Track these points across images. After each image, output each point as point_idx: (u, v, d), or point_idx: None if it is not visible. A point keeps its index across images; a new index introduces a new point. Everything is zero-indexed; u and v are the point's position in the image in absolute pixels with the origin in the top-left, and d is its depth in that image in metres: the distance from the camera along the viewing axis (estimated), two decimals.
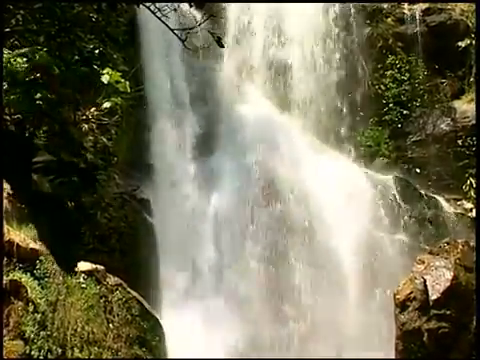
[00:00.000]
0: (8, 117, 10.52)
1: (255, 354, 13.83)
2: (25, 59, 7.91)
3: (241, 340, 14.07)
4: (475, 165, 16.07)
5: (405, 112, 16.63)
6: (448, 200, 15.97)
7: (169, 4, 9.27)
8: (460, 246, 12.89)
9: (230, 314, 14.22)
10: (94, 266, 12.51)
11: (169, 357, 13.26)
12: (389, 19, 16.99)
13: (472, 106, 16.54)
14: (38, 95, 8.08)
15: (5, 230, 11.86)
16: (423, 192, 15.95)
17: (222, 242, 15.01)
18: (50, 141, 11.35)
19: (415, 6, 16.95)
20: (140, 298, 13.26)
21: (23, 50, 7.99)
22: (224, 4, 16.02)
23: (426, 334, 12.37)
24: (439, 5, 17.01)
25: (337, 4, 16.70)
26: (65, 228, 12.03)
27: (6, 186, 10.29)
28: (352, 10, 16.80)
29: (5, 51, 7.22)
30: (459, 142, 16.38)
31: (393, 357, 12.71)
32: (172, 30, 7.05)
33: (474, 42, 16.59)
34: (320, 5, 16.63)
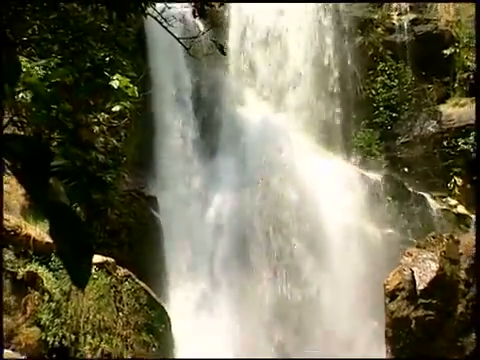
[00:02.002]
0: (25, 121, 10.51)
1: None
2: (41, 67, 7.92)
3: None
4: (459, 165, 16.11)
5: (394, 115, 16.63)
6: (434, 197, 15.96)
7: (175, 15, 9.30)
8: (445, 240, 12.91)
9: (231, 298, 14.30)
10: (105, 259, 12.56)
11: (174, 341, 13.32)
12: (379, 29, 16.97)
13: (456, 109, 16.58)
14: (53, 102, 8.07)
15: (22, 225, 11.93)
16: (411, 190, 15.95)
17: (223, 238, 15.02)
18: (63, 143, 11.39)
19: (403, 17, 16.94)
20: (147, 288, 13.30)
21: (40, 62, 8.00)
22: (226, 14, 15.98)
23: (414, 322, 12.40)
24: (426, 16, 17.01)
25: (331, 14, 16.69)
26: None
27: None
28: (345, 20, 16.80)
29: (23, 60, 7.23)
30: (444, 143, 16.37)
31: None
32: (177, 39, 7.06)
33: (458, 50, 16.63)
34: (316, 16, 16.61)
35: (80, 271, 1.86)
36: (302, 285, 14.65)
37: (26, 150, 1.79)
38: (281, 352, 14.14)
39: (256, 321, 14.25)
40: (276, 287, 14.66)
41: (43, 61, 8.01)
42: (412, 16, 16.96)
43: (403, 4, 17.15)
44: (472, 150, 15.98)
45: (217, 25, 15.18)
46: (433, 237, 13.26)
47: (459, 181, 15.98)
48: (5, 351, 11.00)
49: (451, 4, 17.14)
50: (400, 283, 12.59)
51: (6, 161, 1.82)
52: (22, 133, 11.13)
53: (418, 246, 13.35)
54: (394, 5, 17.20)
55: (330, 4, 16.76)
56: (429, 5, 17.19)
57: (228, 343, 13.62)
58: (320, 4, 16.73)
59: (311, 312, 14.40)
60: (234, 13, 16.14)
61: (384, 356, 12.73)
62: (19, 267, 11.78)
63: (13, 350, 11.20)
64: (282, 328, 14.42)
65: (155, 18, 6.51)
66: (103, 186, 1.93)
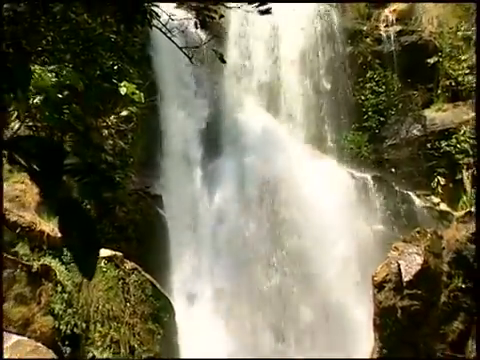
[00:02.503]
0: (39, 124, 10.55)
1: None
2: (53, 74, 7.96)
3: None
4: (442, 165, 16.13)
5: (382, 119, 16.64)
6: (419, 195, 15.95)
7: (177, 26, 9.31)
8: (429, 235, 12.92)
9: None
10: (113, 253, 12.59)
11: (178, 329, 13.33)
12: (368, 39, 16.99)
13: (439, 114, 16.59)
14: (65, 106, 8.12)
15: (37, 222, 11.98)
16: (397, 188, 15.93)
17: (225, 233, 15.04)
18: (75, 145, 11.43)
19: (390, 28, 16.94)
20: (153, 280, 13.33)
21: (51, 67, 8.04)
22: (226, 26, 15.96)
23: (400, 311, 12.42)
24: (411, 27, 16.99)
25: (324, 26, 16.71)
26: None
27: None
28: (337, 31, 16.83)
29: (37, 68, 7.28)
30: (428, 145, 16.36)
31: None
32: (180, 48, 7.08)
33: (441, 59, 16.64)
34: (310, 27, 16.62)
35: (88, 263, 1.89)
36: (297, 274, 14.66)
37: (40, 150, 1.82)
38: (277, 331, 14.07)
39: (254, 305, 14.26)
40: (273, 275, 14.66)
41: (53, 66, 8.05)
42: (398, 27, 16.98)
43: (390, 16, 17.17)
44: (454, 152, 16.02)
45: (217, 35, 15.20)
46: (418, 232, 13.26)
47: (442, 180, 15.99)
48: (21, 338, 11.05)
49: (434, 16, 17.16)
50: (387, 275, 12.61)
51: (21, 161, 1.87)
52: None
53: (404, 241, 13.35)
54: (382, 17, 17.23)
55: (323, 16, 16.78)
56: (414, 17, 17.20)
57: (228, 326, 13.65)
58: (313, 16, 16.77)
59: (307, 296, 14.39)
60: (233, 24, 16.15)
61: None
62: (34, 260, 11.81)
63: (29, 337, 11.24)
64: (277, 311, 14.42)
65: (160, 29, 6.54)
66: (112, 185, 1.97)
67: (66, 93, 8.01)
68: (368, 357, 12.89)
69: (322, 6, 16.91)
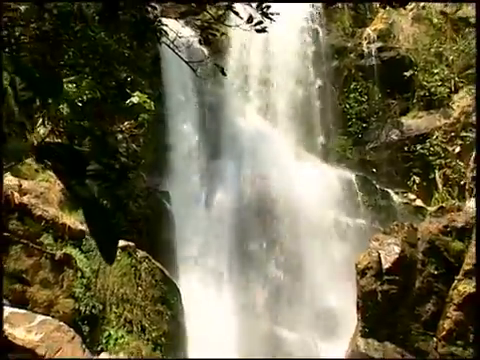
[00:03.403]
0: (61, 129, 10.58)
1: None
2: (74, 85, 8.00)
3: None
4: (417, 166, 16.15)
5: (364, 125, 16.64)
6: (397, 193, 15.96)
7: (184, 42, 9.34)
8: (406, 227, 12.95)
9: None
10: (127, 243, 12.58)
11: (184, 310, 13.32)
12: (352, 54, 16.99)
13: (415, 120, 16.59)
14: (84, 114, 8.16)
15: (59, 215, 11.99)
16: (378, 186, 15.94)
17: (225, 224, 15.05)
18: (93, 148, 11.45)
19: (371, 45, 16.92)
20: (162, 267, 13.32)
21: (72, 79, 8.07)
22: (226, 42, 15.92)
23: (380, 294, 12.45)
24: (389, 44, 16.97)
25: (313, 42, 16.67)
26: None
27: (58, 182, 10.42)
28: (324, 47, 16.84)
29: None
30: (405, 148, 16.36)
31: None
32: (186, 62, 7.10)
33: (416, 72, 16.64)
34: (301, 44, 16.61)
35: (109, 250, 1.93)
36: (288, 262, 14.67)
37: (67, 155, 1.87)
38: (272, 309, 14.05)
39: (251, 288, 14.28)
40: (269, 261, 14.67)
41: (74, 78, 8.06)
42: (378, 44, 16.99)
43: (371, 34, 17.16)
44: (428, 154, 16.05)
45: (219, 51, 15.21)
46: (396, 225, 13.30)
47: (417, 179, 16.00)
48: (46, 318, 11.07)
49: (410, 35, 17.16)
50: (369, 263, 12.64)
51: (48, 162, 1.90)
52: (59, 140, 11.20)
53: (384, 233, 13.40)
54: (364, 35, 17.19)
55: (312, 34, 16.79)
56: (392, 35, 17.17)
57: (229, 306, 13.66)
58: (304, 34, 16.75)
59: (297, 280, 14.40)
60: (233, 41, 16.15)
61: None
62: (57, 249, 11.82)
63: (52, 317, 11.26)
64: (275, 293, 14.44)
65: (168, 45, 6.56)
66: (125, 183, 2.02)
67: (85, 102, 8.07)
68: (352, 334, 12.93)
69: (311, 24, 16.90)
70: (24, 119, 2.12)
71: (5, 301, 10.38)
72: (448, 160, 15.85)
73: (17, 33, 5.58)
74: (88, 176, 1.86)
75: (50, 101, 2.08)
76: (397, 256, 12.44)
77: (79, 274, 11.90)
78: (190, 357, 12.97)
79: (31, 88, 1.96)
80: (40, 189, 12.00)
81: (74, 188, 1.85)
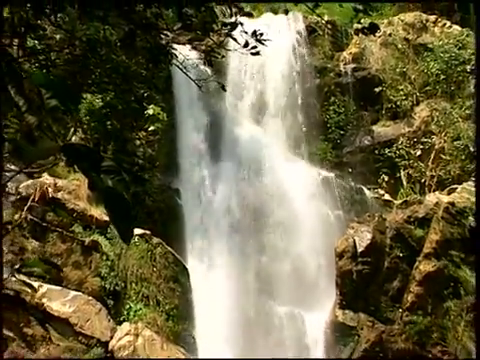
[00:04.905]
0: (89, 137, 10.57)
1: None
2: (100, 99, 8.01)
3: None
4: (386, 166, 16.12)
5: (342, 133, 16.58)
6: (369, 189, 15.86)
7: (191, 64, 9.34)
8: (376, 218, 12.97)
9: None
10: (144, 231, 12.59)
11: (192, 287, 13.30)
12: (331, 74, 16.94)
13: (383, 128, 16.51)
14: (108, 123, 8.16)
15: (88, 208, 11.99)
16: (353, 184, 15.89)
17: (226, 216, 15.02)
18: (116, 152, 11.45)
19: (347, 66, 16.88)
20: (173, 251, 13.32)
21: (98, 95, 8.05)
22: (227, 63, 15.86)
23: (355, 273, 12.47)
24: (362, 65, 16.91)
25: (299, 63, 16.66)
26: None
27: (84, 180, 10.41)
28: (308, 67, 16.81)
29: (88, 95, 7.33)
30: (376, 152, 16.29)
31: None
32: (193, 80, 7.12)
33: (385, 89, 16.58)
34: (289, 65, 16.59)
35: (125, 232, 1.95)
36: (279, 246, 14.65)
37: (87, 154, 1.89)
38: (263, 287, 14.00)
39: (246, 269, 14.27)
40: (263, 246, 14.66)
41: (100, 95, 8.05)
42: (353, 65, 16.94)
43: (347, 57, 17.13)
44: (394, 156, 16.04)
45: (221, 71, 15.20)
46: (368, 216, 13.35)
47: (386, 178, 15.96)
48: (77, 293, 11.08)
49: (379, 57, 17.13)
50: (346, 247, 12.68)
51: (73, 162, 1.92)
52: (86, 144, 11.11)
53: (358, 222, 13.43)
54: (341, 57, 17.12)
55: (298, 57, 16.76)
56: (365, 58, 17.11)
57: (227, 283, 13.64)
58: (291, 57, 16.72)
59: (286, 261, 14.36)
60: (232, 62, 16.13)
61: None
62: (86, 237, 11.83)
63: (83, 293, 11.27)
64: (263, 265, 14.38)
65: (178, 66, 6.58)
66: (141, 182, 2.03)
67: (109, 114, 8.06)
68: (331, 307, 12.92)
69: (297, 49, 16.88)
70: (51, 123, 2.13)
71: (43, 280, 10.39)
72: (411, 161, 15.84)
73: (53, 57, 5.60)
74: (103, 171, 1.88)
75: (72, 107, 2.10)
76: (369, 241, 12.47)
77: (104, 257, 11.92)
78: (196, 324, 12.93)
79: (55, 97, 1.98)
80: (72, 186, 12.01)
81: (93, 180, 1.87)
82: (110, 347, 11.21)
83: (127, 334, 11.43)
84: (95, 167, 1.87)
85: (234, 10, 5.31)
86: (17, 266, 2.24)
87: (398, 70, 16.86)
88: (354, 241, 12.56)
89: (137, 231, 12.15)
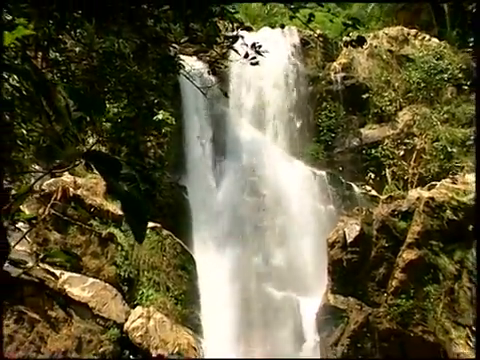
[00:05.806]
0: (105, 140, 10.52)
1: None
2: (115, 107, 7.99)
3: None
4: (373, 165, 16.09)
5: (333, 135, 16.55)
6: (357, 185, 15.87)
7: (197, 73, 9.32)
8: (364, 211, 12.94)
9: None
10: (155, 224, 12.59)
11: (198, 275, 13.26)
12: (323, 82, 16.92)
13: (370, 131, 16.50)
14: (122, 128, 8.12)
15: (104, 204, 11.98)
16: (343, 181, 15.88)
17: (228, 210, 15.01)
18: (129, 153, 11.45)
19: (338, 74, 16.87)
20: (181, 242, 13.31)
21: (113, 101, 8.03)
22: (229, 72, 15.81)
23: (345, 262, 12.46)
24: (351, 74, 16.91)
25: (295, 73, 16.64)
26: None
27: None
28: (302, 77, 16.79)
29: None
30: (363, 152, 16.29)
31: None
32: (199, 88, 7.13)
33: (371, 95, 16.55)
34: (285, 76, 16.57)
35: (139, 232, 1.95)
36: (277, 236, 14.64)
37: (106, 160, 1.90)
38: (262, 273, 13.92)
39: (247, 258, 14.25)
40: (262, 236, 14.63)
41: (116, 103, 8.04)
42: (343, 74, 16.92)
43: (337, 66, 17.10)
44: (380, 156, 16.04)
45: (223, 79, 15.19)
46: (357, 210, 13.31)
47: (372, 175, 15.94)
48: (95, 280, 11.08)
49: (366, 67, 17.10)
50: (337, 238, 12.65)
51: (93, 166, 1.93)
52: (104, 148, 11.13)
53: (348, 215, 13.41)
54: (332, 67, 17.11)
55: (293, 67, 16.75)
56: (353, 67, 17.09)
57: (230, 269, 13.62)
58: (288, 67, 16.71)
59: (283, 249, 14.35)
60: (233, 71, 16.11)
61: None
62: (103, 229, 11.84)
63: (100, 280, 11.28)
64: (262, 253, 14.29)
65: (185, 75, 6.58)
66: (151, 182, 2.04)
67: (123, 118, 8.05)
68: (324, 292, 12.90)
69: (292, 59, 16.87)
70: (76, 132, 2.15)
71: (65, 269, 10.40)
72: (395, 161, 15.83)
73: (73, 68, 5.60)
74: (121, 178, 1.88)
75: (96, 118, 2.11)
76: (358, 233, 12.45)
77: (119, 248, 11.92)
78: (201, 307, 12.92)
79: (81, 109, 1.99)
80: (90, 184, 12.02)
81: (112, 185, 1.88)
82: (125, 328, 11.24)
83: (140, 317, 11.46)
84: (114, 173, 1.88)
85: (235, 25, 5.32)
86: (41, 256, 2.26)
87: (383, 78, 16.85)
88: (344, 232, 12.54)
89: (149, 224, 12.11)
